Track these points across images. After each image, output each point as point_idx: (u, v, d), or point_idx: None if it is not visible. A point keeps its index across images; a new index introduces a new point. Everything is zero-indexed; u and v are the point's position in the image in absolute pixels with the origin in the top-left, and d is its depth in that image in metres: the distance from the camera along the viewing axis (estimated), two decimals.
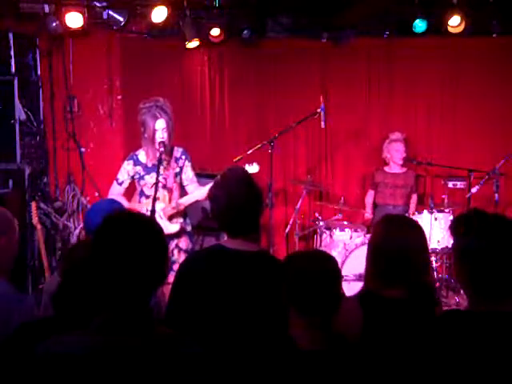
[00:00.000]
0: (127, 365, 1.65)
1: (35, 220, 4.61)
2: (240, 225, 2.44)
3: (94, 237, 1.76)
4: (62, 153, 6.10)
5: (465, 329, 1.86)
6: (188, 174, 4.47)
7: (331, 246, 5.75)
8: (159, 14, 5.69)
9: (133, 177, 4.41)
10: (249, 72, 6.80)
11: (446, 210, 5.83)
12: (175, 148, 4.45)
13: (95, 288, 1.88)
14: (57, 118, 6.05)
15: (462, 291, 5.77)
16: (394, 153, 6.26)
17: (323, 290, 2.00)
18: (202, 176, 4.96)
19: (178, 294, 2.40)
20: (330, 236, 5.79)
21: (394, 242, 2.36)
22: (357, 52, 6.68)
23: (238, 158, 5.32)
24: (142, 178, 4.39)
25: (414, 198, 6.40)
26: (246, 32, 6.33)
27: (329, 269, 2.05)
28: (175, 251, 4.35)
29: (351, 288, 4.71)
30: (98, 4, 5.66)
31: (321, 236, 5.99)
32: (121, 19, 5.76)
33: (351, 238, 5.69)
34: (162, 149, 4.21)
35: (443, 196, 6.02)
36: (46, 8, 5.49)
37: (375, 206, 6.41)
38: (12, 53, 5.48)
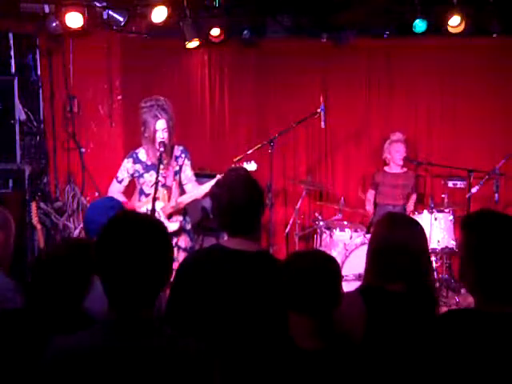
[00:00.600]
0: (130, 365, 1.66)
1: (35, 220, 4.61)
2: (240, 224, 2.44)
3: (98, 237, 1.76)
4: (62, 153, 6.11)
5: (471, 328, 1.85)
6: (187, 172, 4.48)
7: (331, 245, 5.75)
8: (159, 14, 5.68)
9: (132, 175, 4.42)
10: (249, 72, 6.80)
11: (446, 210, 5.83)
12: (175, 147, 4.45)
13: (63, 285, 2.12)
14: (57, 118, 6.05)
15: (462, 291, 5.78)
16: (395, 153, 6.27)
17: (323, 289, 2.00)
18: (201, 176, 4.96)
19: (177, 294, 2.40)
20: (330, 236, 5.78)
21: (395, 240, 2.36)
22: (357, 52, 6.68)
23: (238, 157, 5.31)
24: (141, 176, 4.40)
25: (414, 197, 6.40)
26: (245, 32, 6.34)
27: (329, 269, 2.05)
28: (175, 250, 4.35)
29: (351, 288, 4.69)
30: (98, 4, 5.65)
31: (321, 236, 5.98)
32: (121, 19, 5.75)
33: (351, 237, 5.68)
34: (162, 149, 4.22)
35: (443, 196, 6.03)
36: (46, 8, 5.49)
37: (375, 205, 6.42)
38: (12, 53, 5.49)
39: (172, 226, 4.32)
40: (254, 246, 2.46)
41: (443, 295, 5.85)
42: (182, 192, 4.51)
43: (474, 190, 5.73)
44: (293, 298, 2.03)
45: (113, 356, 1.66)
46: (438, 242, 5.71)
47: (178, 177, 4.45)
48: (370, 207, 6.37)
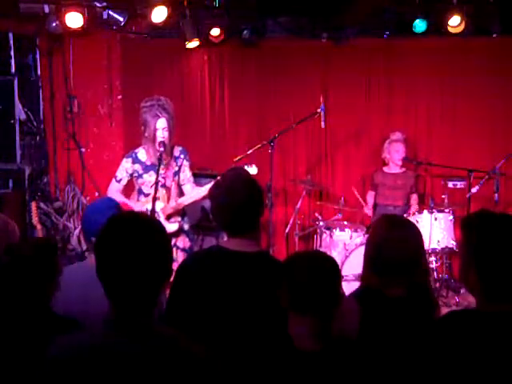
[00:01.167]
0: (130, 365, 1.66)
1: (35, 220, 4.61)
2: (240, 224, 2.44)
3: (97, 237, 1.76)
4: (62, 153, 6.11)
5: (473, 329, 1.85)
6: (186, 173, 4.48)
7: (331, 246, 5.75)
8: (159, 14, 5.68)
9: (131, 175, 4.41)
10: (249, 72, 6.80)
11: (446, 210, 5.83)
12: (175, 147, 4.45)
13: (28, 284, 2.13)
14: (57, 118, 6.06)
15: (462, 291, 5.77)
16: (394, 153, 6.26)
17: (323, 290, 2.00)
18: (201, 176, 4.97)
19: (177, 294, 2.40)
20: (330, 236, 5.78)
21: (392, 241, 2.36)
22: (357, 52, 6.68)
23: (238, 157, 5.32)
24: (140, 176, 4.39)
25: (415, 197, 6.38)
26: (245, 32, 6.33)
27: (329, 269, 2.05)
28: (173, 250, 4.34)
29: (351, 288, 4.67)
30: (98, 4, 5.66)
31: (321, 236, 5.98)
32: (121, 19, 5.76)
33: (351, 237, 5.68)
34: (162, 148, 4.21)
35: (443, 196, 6.02)
36: (46, 8, 5.50)
37: (375, 206, 6.41)
38: (12, 53, 5.49)
39: (171, 226, 4.31)
40: (253, 247, 2.46)
41: (443, 295, 5.84)
42: (181, 192, 4.51)
43: (474, 190, 5.73)
44: (293, 298, 2.03)
45: (113, 356, 1.66)
46: (438, 242, 5.70)
47: (177, 177, 4.45)
48: (368, 210, 6.32)
